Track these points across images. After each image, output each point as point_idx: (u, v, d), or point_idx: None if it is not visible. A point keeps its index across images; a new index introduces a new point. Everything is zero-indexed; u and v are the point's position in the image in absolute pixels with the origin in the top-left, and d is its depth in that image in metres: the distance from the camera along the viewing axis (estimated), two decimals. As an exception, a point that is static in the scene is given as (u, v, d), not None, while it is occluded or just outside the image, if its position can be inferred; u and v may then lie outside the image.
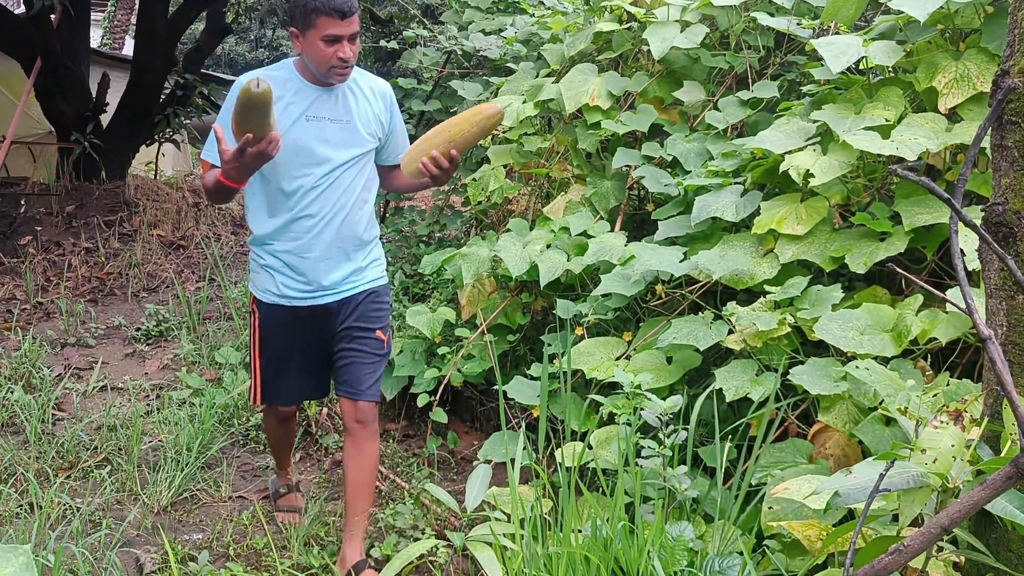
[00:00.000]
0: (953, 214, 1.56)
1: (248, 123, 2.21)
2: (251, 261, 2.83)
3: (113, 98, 9.05)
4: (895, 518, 1.79)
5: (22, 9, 10.91)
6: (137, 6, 11.22)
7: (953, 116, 2.68)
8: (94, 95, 8.79)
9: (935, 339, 2.33)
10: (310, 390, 2.99)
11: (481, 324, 3.54)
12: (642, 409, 2.40)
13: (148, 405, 4.18)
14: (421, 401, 3.51)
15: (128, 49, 14.47)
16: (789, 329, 2.51)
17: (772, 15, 3.49)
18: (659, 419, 2.35)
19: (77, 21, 8.65)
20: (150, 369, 4.79)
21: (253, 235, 2.76)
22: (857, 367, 2.23)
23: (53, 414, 4.02)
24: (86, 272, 6.73)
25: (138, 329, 5.40)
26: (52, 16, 8.23)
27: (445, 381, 3.49)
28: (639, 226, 3.75)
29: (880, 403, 2.24)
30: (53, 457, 3.55)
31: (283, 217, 2.67)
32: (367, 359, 2.78)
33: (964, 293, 1.23)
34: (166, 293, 6.41)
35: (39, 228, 7.40)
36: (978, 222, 1.82)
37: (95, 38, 13.66)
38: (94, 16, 13.69)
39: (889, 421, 2.22)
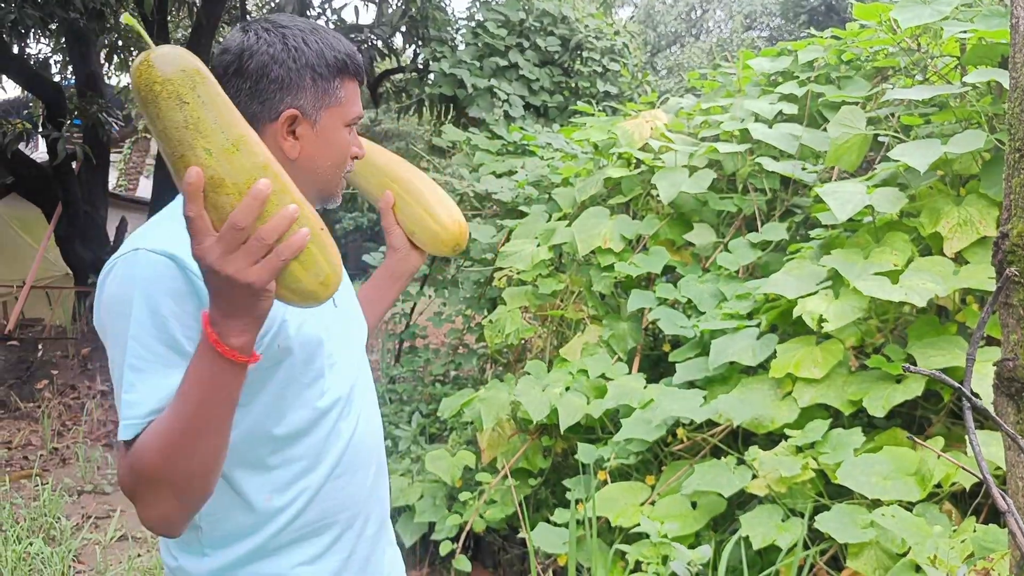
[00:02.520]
0: (968, 358, 1.61)
1: (184, 146, 1.01)
2: None
3: (130, 240, 9.29)
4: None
5: (40, 153, 11.30)
6: (154, 149, 11.60)
7: (959, 259, 2.76)
8: (112, 239, 9.02)
9: (958, 482, 2.35)
10: None
11: (502, 468, 3.55)
12: (671, 560, 2.40)
13: (167, 555, 4.15)
14: (444, 549, 3.48)
15: (142, 190, 14.88)
16: (812, 474, 2.53)
17: (776, 159, 3.62)
18: (688, 570, 2.35)
19: (97, 167, 8.96)
20: (168, 516, 4.76)
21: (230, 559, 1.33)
22: (883, 514, 2.25)
23: (73, 567, 4.00)
24: (101, 415, 6.76)
25: (155, 474, 5.39)
26: (73, 163, 8.53)
27: (467, 527, 3.48)
28: (655, 364, 3.80)
29: (908, 550, 2.24)
30: (73, 614, 3.53)
31: (322, 467, 1.37)
32: None
33: (981, 467, 1.27)
34: (182, 435, 6.42)
35: (55, 372, 7.48)
36: (991, 375, 1.87)
37: (111, 180, 14.09)
38: (111, 158, 14.17)
39: (919, 567, 2.22)
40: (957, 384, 1.33)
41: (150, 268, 1.17)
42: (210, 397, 1.10)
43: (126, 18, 1.07)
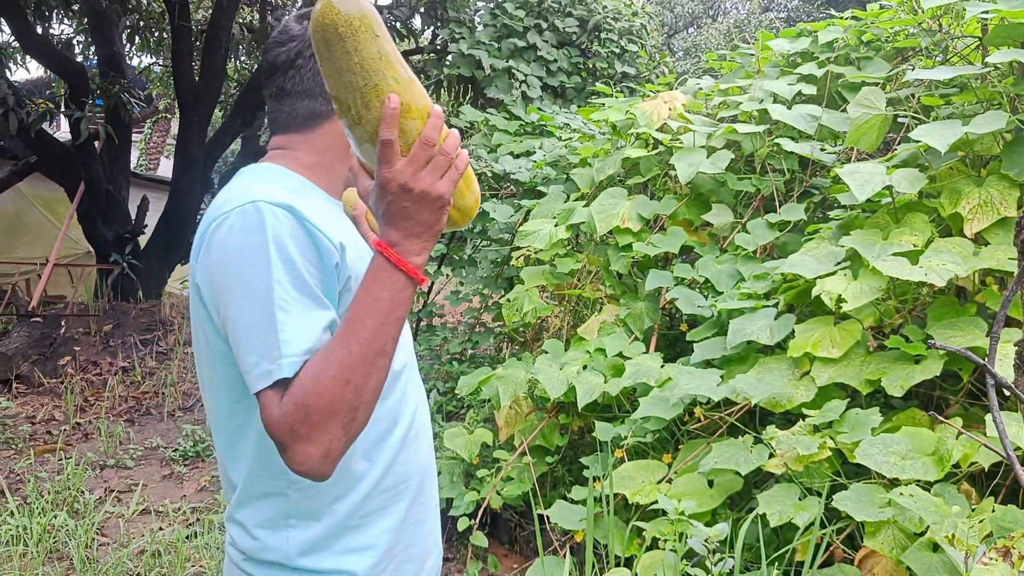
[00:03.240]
0: (992, 339, 1.62)
1: (371, 81, 1.09)
2: None
3: (151, 219, 9.35)
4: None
5: (63, 132, 11.38)
6: (176, 131, 11.66)
7: (979, 239, 2.76)
8: (133, 217, 9.09)
9: (977, 462, 2.36)
10: None
11: (519, 445, 3.58)
12: (688, 537, 2.42)
13: (189, 528, 4.21)
14: (461, 525, 3.52)
15: (162, 169, 14.97)
16: (829, 453, 2.54)
17: (795, 140, 3.62)
18: (705, 546, 2.37)
19: (119, 147, 9.02)
20: (188, 491, 4.83)
21: (329, 524, 1.35)
22: (901, 494, 2.26)
23: (96, 539, 4.07)
24: (123, 392, 6.84)
25: (175, 450, 5.46)
26: (96, 143, 8.58)
27: (485, 504, 3.51)
28: (672, 343, 3.81)
29: (926, 529, 2.25)
30: (97, 585, 3.59)
31: (398, 430, 1.42)
32: None
33: (1005, 445, 1.28)
34: (201, 412, 6.48)
35: (77, 348, 7.55)
36: (1011, 356, 1.88)
37: (132, 159, 14.18)
38: (132, 138, 14.24)
39: (936, 547, 2.23)
40: (982, 361, 1.34)
41: (275, 219, 1.22)
42: (388, 319, 1.17)
43: None
